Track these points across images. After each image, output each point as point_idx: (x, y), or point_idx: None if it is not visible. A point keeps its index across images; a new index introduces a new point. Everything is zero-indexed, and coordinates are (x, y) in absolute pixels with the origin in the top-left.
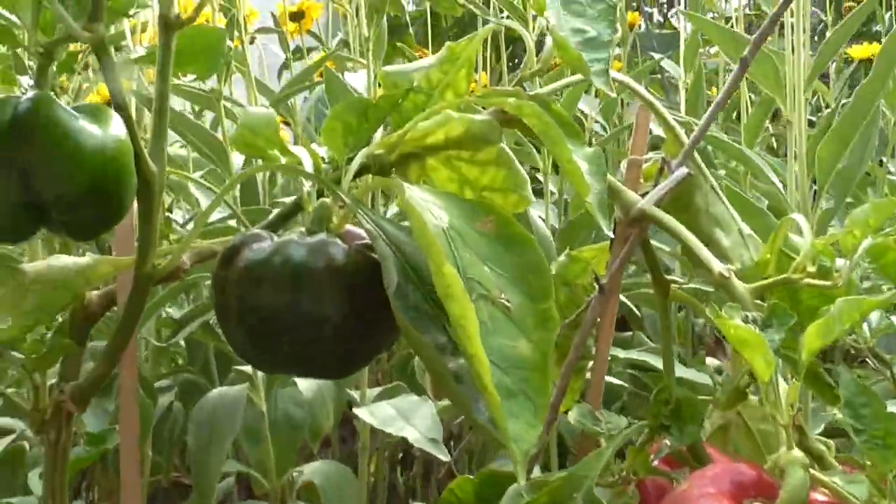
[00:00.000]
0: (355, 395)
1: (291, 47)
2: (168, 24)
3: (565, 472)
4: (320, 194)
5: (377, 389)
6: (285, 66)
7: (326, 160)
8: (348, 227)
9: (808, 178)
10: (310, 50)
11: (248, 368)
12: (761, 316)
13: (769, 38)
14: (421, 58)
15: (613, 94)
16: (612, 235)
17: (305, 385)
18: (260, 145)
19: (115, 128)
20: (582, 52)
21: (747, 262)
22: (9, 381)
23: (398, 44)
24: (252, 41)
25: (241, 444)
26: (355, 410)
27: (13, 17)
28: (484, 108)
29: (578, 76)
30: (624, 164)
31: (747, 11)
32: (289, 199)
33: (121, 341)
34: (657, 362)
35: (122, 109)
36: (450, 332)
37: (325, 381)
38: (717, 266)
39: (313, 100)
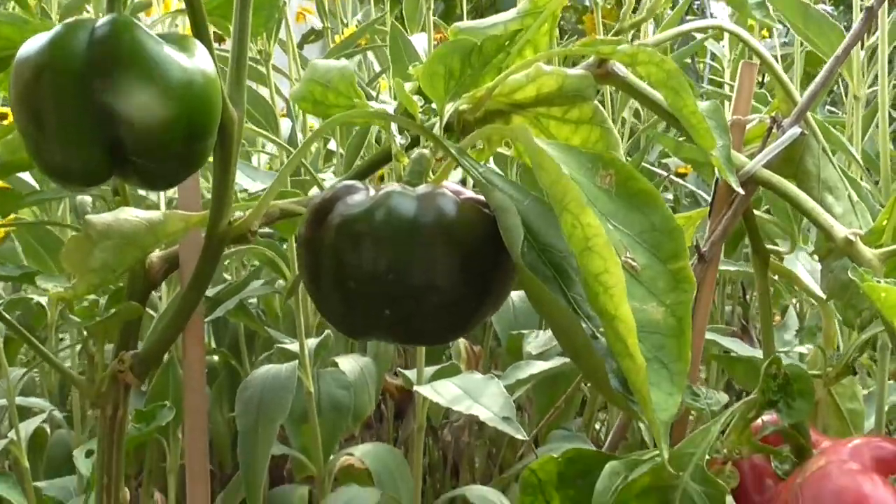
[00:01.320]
0: (410, 374)
1: (305, 29)
2: None
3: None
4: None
5: (431, 369)
6: (304, 40)
7: (421, 110)
8: (446, 183)
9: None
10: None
11: (293, 347)
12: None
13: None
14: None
15: (776, 24)
16: (741, 191)
17: (348, 366)
18: (331, 101)
19: (202, 59)
20: None
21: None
22: (54, 348)
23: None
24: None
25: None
26: (417, 389)
27: None
28: (577, 60)
29: (687, 26)
30: None
31: None
32: (326, 175)
33: (188, 306)
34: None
35: (206, 44)
36: (568, 296)
37: (366, 362)
38: (840, 230)
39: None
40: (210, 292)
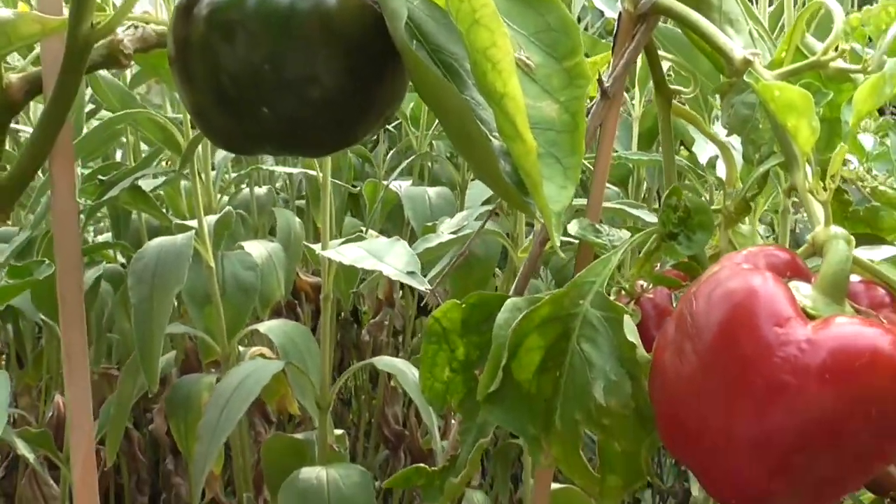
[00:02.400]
0: (315, 246)
1: None
2: None
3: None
4: None
5: (339, 240)
6: None
7: None
8: None
9: None
10: None
11: (192, 223)
12: None
13: None
14: None
15: None
16: None
17: (255, 250)
18: None
19: None
20: None
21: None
22: None
23: None
24: None
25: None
26: (321, 253)
27: None
28: None
29: None
30: None
31: None
32: None
33: (52, 123)
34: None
35: None
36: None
37: (274, 247)
38: (739, 51)
39: None
40: (104, 175)
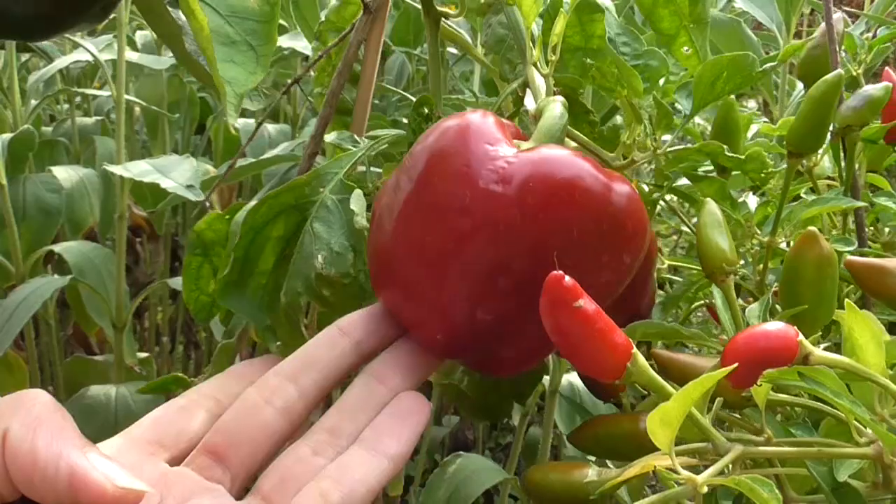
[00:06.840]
0: (115, 168)
1: None
2: None
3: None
4: None
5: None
6: None
7: None
8: None
9: None
10: None
11: None
12: None
13: None
14: None
15: None
16: None
17: (64, 174)
18: None
19: None
20: None
21: None
22: None
23: None
24: None
25: None
26: (108, 167)
27: None
28: None
29: None
30: None
31: None
32: None
33: None
34: None
35: None
36: None
37: (87, 173)
38: None
39: None
40: None
